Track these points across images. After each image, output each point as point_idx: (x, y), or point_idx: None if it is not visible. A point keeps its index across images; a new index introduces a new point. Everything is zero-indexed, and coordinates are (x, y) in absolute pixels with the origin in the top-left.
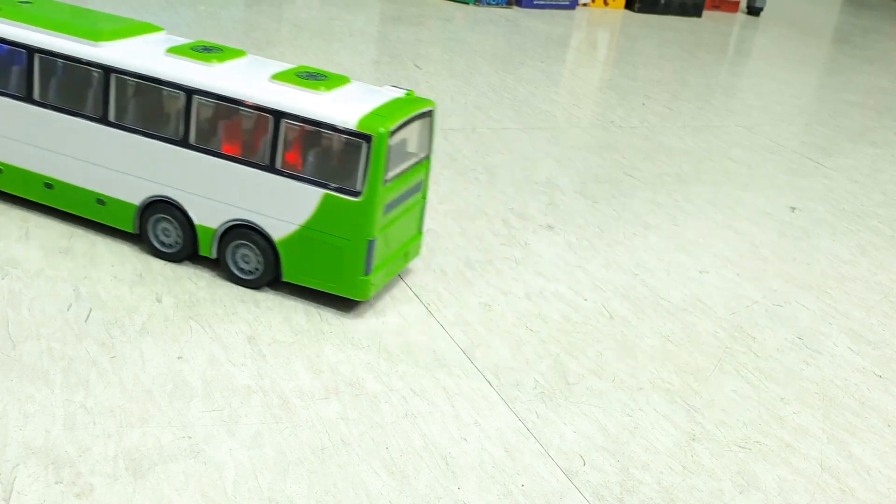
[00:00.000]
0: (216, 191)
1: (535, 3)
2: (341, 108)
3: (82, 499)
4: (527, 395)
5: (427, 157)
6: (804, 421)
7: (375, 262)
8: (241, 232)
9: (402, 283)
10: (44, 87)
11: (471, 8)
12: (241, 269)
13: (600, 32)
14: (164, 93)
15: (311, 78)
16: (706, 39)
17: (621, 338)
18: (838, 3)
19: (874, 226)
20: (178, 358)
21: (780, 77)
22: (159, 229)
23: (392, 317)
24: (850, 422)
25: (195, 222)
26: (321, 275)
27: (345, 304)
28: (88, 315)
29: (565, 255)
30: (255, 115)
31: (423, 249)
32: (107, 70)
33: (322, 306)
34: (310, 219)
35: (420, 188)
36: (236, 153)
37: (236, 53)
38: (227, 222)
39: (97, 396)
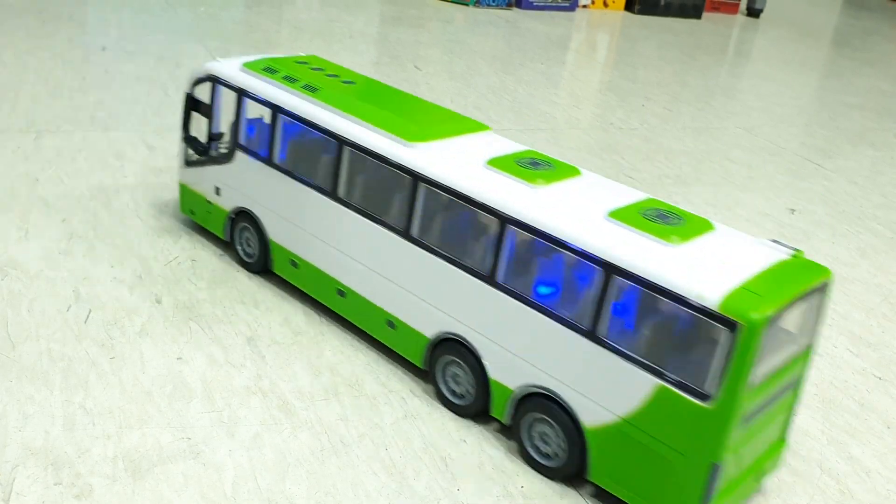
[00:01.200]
0: (520, 345)
1: (534, 4)
2: (700, 273)
3: (81, 500)
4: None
5: (809, 346)
6: (804, 422)
7: (719, 488)
8: (544, 404)
9: None
10: (349, 184)
11: (471, 9)
12: (538, 450)
13: (600, 34)
14: (476, 215)
15: (664, 220)
16: (706, 41)
17: None
18: (838, 5)
19: (874, 228)
20: (178, 359)
21: (780, 79)
22: (449, 373)
23: None
24: (850, 423)
25: (490, 375)
26: (638, 487)
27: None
28: (88, 316)
29: None
30: (581, 261)
31: None
32: (415, 177)
33: (322, 308)
34: (634, 412)
35: (794, 385)
36: (550, 305)
37: (569, 171)
38: (527, 386)
39: (96, 397)
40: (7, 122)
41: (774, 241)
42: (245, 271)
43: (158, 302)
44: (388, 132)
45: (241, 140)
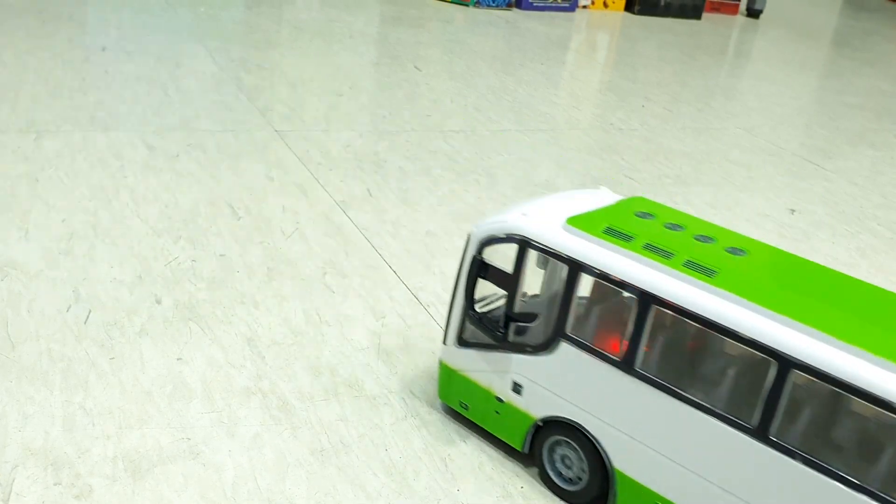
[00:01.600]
0: None
1: (534, 4)
2: None
3: (81, 500)
4: None
5: None
6: None
7: None
8: None
9: (401, 285)
10: (788, 422)
11: (470, 10)
12: None
13: (600, 34)
14: None
15: None
16: (706, 41)
17: None
18: (838, 6)
19: (873, 228)
20: (178, 359)
21: (780, 79)
22: None
23: (391, 318)
24: None
25: None
26: None
27: (344, 305)
28: (88, 316)
29: None
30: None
31: (423, 251)
32: None
33: (321, 308)
34: None
35: None
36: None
37: None
38: None
39: (96, 398)
40: (7, 123)
41: None
42: (244, 272)
43: (158, 302)
44: (860, 348)
45: (570, 329)
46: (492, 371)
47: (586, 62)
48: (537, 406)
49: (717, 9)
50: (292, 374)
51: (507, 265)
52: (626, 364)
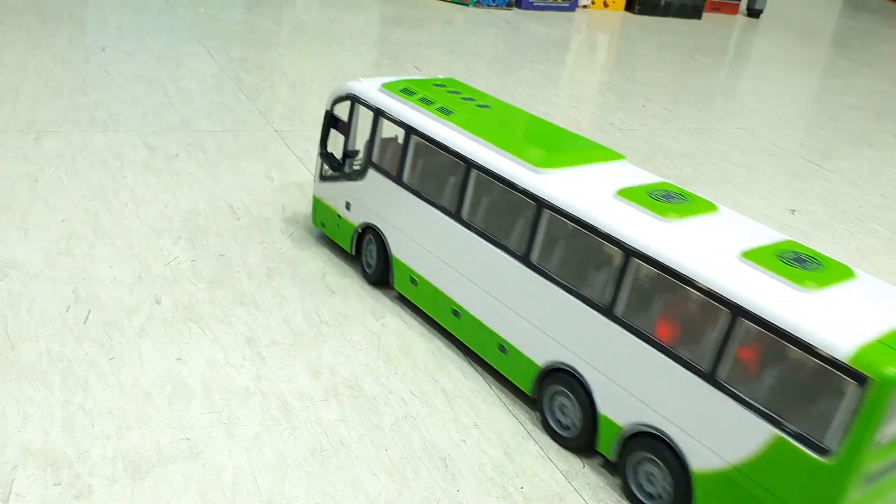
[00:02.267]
0: (634, 382)
1: (534, 4)
2: (833, 322)
3: (81, 500)
4: (526, 396)
5: None
6: None
7: None
8: (653, 444)
9: None
10: (472, 207)
11: (470, 10)
12: (641, 489)
13: (600, 34)
14: (600, 246)
15: (801, 264)
16: (706, 42)
17: None
18: (838, 6)
19: (873, 228)
20: (177, 360)
21: (780, 80)
22: (556, 403)
23: (391, 319)
24: None
25: (599, 410)
26: None
27: (344, 305)
28: (87, 316)
29: None
30: (708, 302)
31: None
32: (539, 204)
33: (321, 308)
34: (747, 461)
35: None
36: (668, 342)
37: (705, 207)
38: (638, 425)
39: (96, 398)
40: (7, 123)
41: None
42: (244, 272)
43: (158, 302)
44: (516, 157)
45: (374, 158)
46: (336, 196)
47: (586, 62)
48: (358, 217)
49: (717, 9)
50: (292, 374)
51: (366, 122)
52: (397, 178)
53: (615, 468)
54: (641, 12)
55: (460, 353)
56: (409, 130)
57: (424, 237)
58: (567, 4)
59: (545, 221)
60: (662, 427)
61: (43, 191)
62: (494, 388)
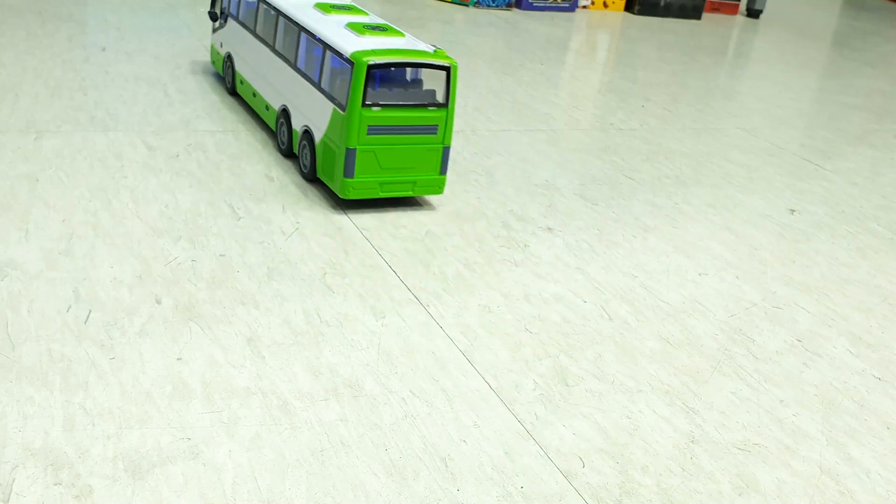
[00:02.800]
0: (299, 103)
1: (534, 5)
2: (360, 45)
3: (81, 500)
4: (526, 396)
5: (446, 109)
6: (803, 423)
7: (357, 167)
8: (307, 134)
9: (401, 285)
10: (264, 29)
11: (471, 10)
12: (303, 165)
13: (600, 35)
14: (301, 35)
15: (373, 29)
16: (706, 42)
17: (620, 340)
18: (838, 6)
19: (873, 229)
20: (178, 359)
21: (780, 80)
22: (281, 130)
23: (391, 318)
24: (850, 424)
25: (293, 127)
26: (329, 173)
27: (344, 305)
28: (88, 316)
29: (564, 258)
30: (324, 50)
31: (423, 251)
32: (281, 15)
33: (321, 308)
34: (327, 128)
35: (434, 132)
36: (310, 74)
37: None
38: (302, 126)
39: (96, 398)
40: (7, 123)
41: (434, 46)
42: (244, 272)
43: (158, 302)
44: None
45: (231, 11)
46: (216, 41)
47: (586, 62)
48: (223, 50)
49: (717, 9)
50: (292, 374)
51: None
52: (238, 20)
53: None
54: (641, 12)
55: (460, 354)
56: None
57: (248, 56)
58: (567, 5)
59: (278, 22)
60: (309, 124)
61: (43, 191)
62: (494, 388)
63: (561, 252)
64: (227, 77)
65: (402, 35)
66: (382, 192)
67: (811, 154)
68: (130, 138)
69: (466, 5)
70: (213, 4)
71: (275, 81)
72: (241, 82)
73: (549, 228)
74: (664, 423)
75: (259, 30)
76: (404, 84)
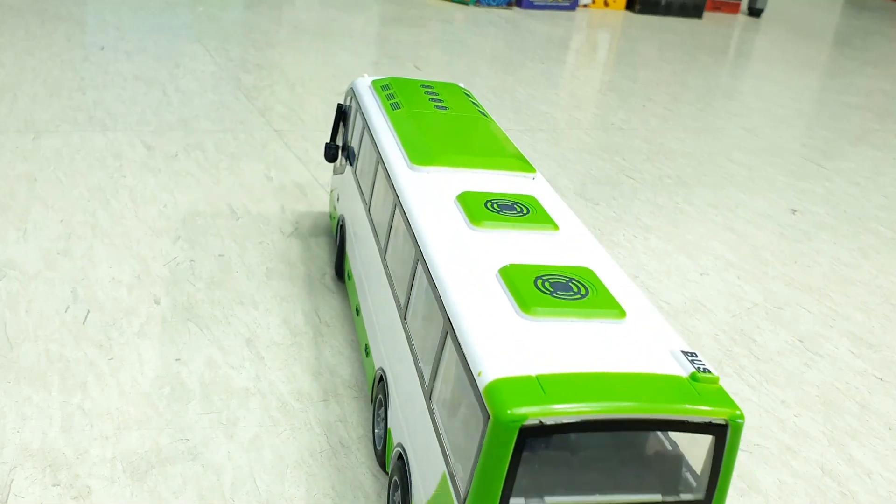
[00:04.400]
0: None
1: (535, 4)
2: (502, 353)
3: (80, 501)
4: None
5: None
6: (805, 424)
7: None
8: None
9: None
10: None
11: (471, 9)
12: None
13: (601, 34)
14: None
15: (560, 293)
16: (707, 41)
17: None
18: (839, 5)
19: (875, 229)
20: (176, 360)
21: (781, 79)
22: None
23: None
24: (851, 425)
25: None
26: None
27: (344, 305)
28: (86, 317)
29: None
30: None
31: None
32: (397, 197)
33: (321, 308)
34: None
35: None
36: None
37: (545, 222)
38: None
39: (95, 398)
40: (6, 123)
41: (691, 354)
42: (243, 272)
43: (157, 303)
44: (401, 148)
45: (352, 151)
46: (334, 188)
47: (587, 62)
48: (340, 208)
49: (718, 8)
50: (291, 374)
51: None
52: (354, 170)
53: None
54: (642, 12)
55: None
56: (362, 122)
57: (359, 246)
58: (567, 4)
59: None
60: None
61: (41, 191)
62: None
63: None
64: (337, 248)
65: (556, 227)
66: None
67: (812, 154)
68: (129, 138)
69: (467, 4)
70: (334, 132)
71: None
72: (349, 277)
73: None
74: None
75: (374, 211)
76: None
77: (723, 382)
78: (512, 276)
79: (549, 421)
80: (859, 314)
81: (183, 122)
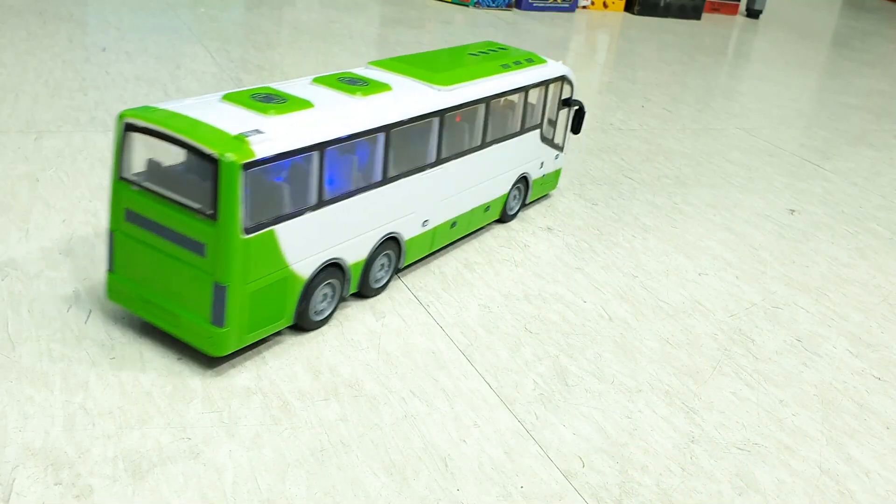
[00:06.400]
0: None
1: (534, 5)
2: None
3: (81, 500)
4: (526, 396)
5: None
6: (803, 423)
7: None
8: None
9: (401, 285)
10: None
11: (471, 10)
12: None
13: (600, 35)
14: None
15: (265, 101)
16: (705, 42)
17: (620, 340)
18: (837, 6)
19: (873, 229)
20: (178, 359)
21: (780, 80)
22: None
23: (391, 318)
24: (849, 424)
25: None
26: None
27: (344, 305)
28: (88, 316)
29: (564, 257)
30: None
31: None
32: None
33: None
34: None
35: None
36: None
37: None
38: None
39: (97, 398)
40: (7, 123)
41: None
42: None
43: None
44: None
45: None
46: None
47: (586, 63)
48: None
49: (716, 9)
50: (292, 373)
51: None
52: None
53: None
54: (641, 13)
55: (460, 353)
56: None
57: None
58: (567, 5)
59: None
60: None
61: (43, 191)
62: (494, 388)
63: (561, 252)
64: None
65: (311, 105)
66: (144, 312)
67: (811, 154)
68: None
69: (466, 5)
70: None
71: None
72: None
73: (548, 228)
74: (664, 422)
75: None
76: (177, 168)
77: (722, 381)
78: (236, 98)
79: (135, 122)
80: (857, 314)
81: None
